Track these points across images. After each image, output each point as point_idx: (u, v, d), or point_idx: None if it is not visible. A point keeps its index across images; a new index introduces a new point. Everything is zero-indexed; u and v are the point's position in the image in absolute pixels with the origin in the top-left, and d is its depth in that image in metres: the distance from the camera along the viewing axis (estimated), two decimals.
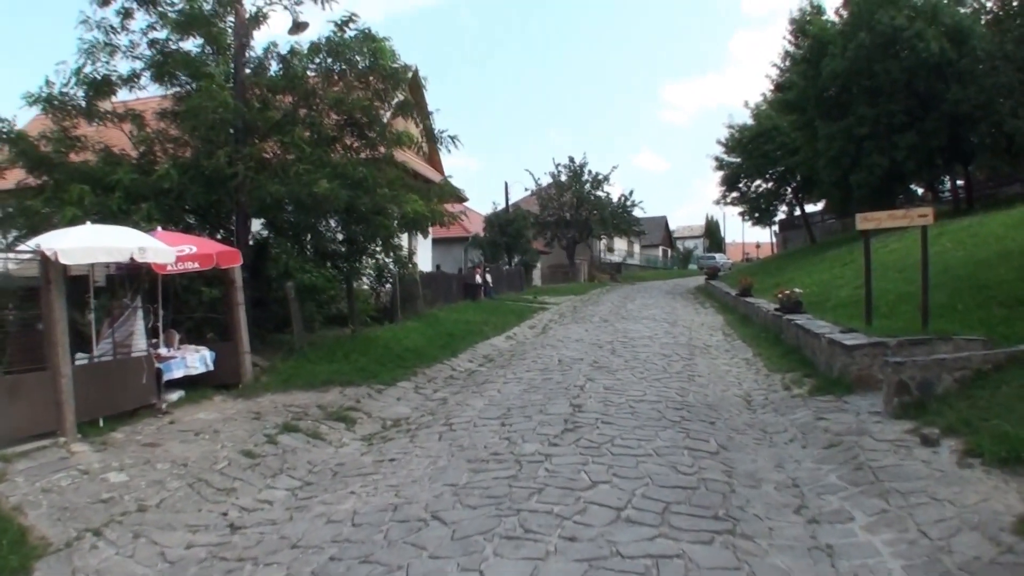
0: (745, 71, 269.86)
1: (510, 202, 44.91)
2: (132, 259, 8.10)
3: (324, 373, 11.91)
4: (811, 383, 10.65)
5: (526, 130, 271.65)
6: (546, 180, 51.03)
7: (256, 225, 14.86)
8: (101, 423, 8.38)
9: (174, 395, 9.88)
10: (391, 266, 18.96)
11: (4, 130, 11.83)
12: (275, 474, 7.67)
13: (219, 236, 13.59)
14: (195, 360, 10.13)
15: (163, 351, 10.02)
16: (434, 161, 28.88)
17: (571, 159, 51.39)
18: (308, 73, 13.61)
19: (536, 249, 46.69)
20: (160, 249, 8.61)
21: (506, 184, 57.38)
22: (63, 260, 7.74)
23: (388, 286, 19.27)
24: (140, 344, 9.10)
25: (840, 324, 12.26)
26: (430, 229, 30.58)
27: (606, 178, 50.91)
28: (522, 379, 12.53)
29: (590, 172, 50.87)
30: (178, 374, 9.78)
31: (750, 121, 42.68)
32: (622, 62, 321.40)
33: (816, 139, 30.15)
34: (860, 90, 28.03)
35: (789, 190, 45.02)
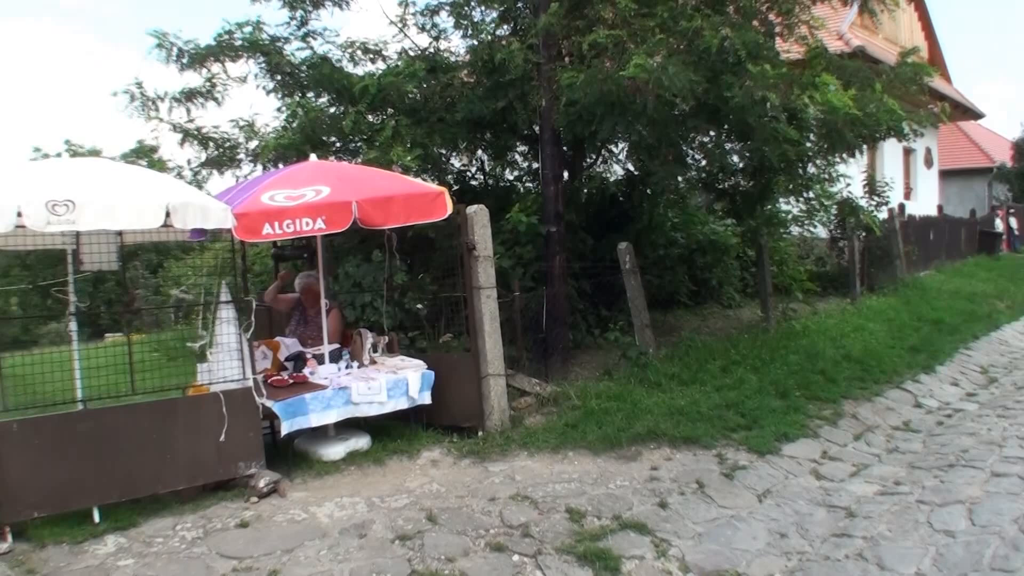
0: None
1: None
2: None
3: (655, 411, 6.41)
4: None
5: None
6: None
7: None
8: (96, 517, 4.44)
9: (340, 447, 5.56)
10: (852, 209, 12.05)
11: (242, 35, 8.51)
12: None
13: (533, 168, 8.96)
14: (377, 388, 5.59)
15: (326, 373, 5.72)
16: (935, 58, 19.54)
17: None
18: None
19: None
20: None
21: None
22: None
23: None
24: (227, 367, 4.88)
25: None
26: (935, 155, 21.62)
27: None
28: None
29: None
30: (320, 420, 5.35)
31: None
32: None
33: None
34: None
35: None
